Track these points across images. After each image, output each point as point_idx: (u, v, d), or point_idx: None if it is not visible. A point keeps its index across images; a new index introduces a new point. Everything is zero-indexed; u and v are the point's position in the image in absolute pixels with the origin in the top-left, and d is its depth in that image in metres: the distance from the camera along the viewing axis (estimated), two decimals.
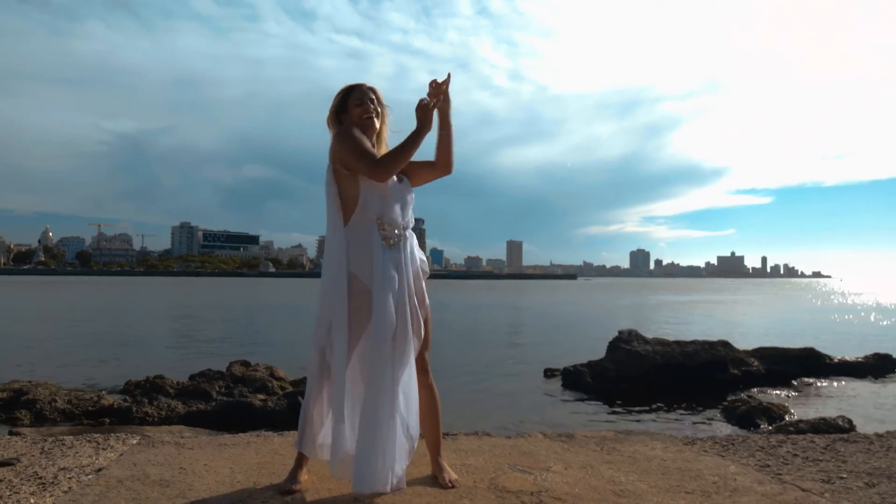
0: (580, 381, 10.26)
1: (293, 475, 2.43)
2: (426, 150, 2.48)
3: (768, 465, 2.84)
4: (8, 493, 2.34)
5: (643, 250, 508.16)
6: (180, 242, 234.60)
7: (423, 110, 2.43)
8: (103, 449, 2.86)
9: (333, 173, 2.46)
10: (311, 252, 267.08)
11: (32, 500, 2.25)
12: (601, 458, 2.86)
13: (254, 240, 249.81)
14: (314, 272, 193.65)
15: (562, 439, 3.19)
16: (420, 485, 2.44)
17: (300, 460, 2.48)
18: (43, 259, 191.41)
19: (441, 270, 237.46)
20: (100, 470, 2.58)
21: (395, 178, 2.49)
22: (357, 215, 2.43)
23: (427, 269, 2.56)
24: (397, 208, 2.45)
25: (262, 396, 8.51)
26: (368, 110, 2.51)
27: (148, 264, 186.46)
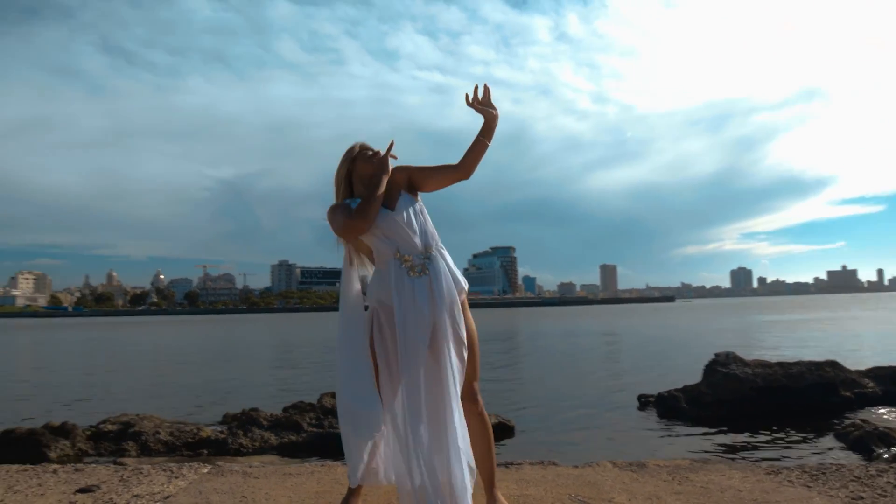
0: (675, 407, 9.79)
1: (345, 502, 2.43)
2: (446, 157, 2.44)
3: (861, 498, 2.58)
4: None
5: (744, 268, 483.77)
6: (279, 280, 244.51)
7: (365, 160, 2.50)
8: (175, 477, 2.98)
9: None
10: None
11: None
12: (670, 489, 2.70)
13: None
14: None
15: (632, 469, 3.04)
16: None
17: (353, 491, 2.48)
18: (155, 300, 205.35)
19: (534, 298, 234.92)
20: (167, 497, 2.68)
21: (394, 213, 2.45)
22: (377, 257, 2.48)
23: (464, 285, 2.48)
24: (410, 235, 2.42)
25: None
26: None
27: (250, 302, 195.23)
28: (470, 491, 2.23)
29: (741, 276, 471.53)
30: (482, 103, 2.47)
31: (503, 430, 8.25)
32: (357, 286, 2.55)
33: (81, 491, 2.80)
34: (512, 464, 3.06)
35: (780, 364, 10.17)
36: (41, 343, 34.96)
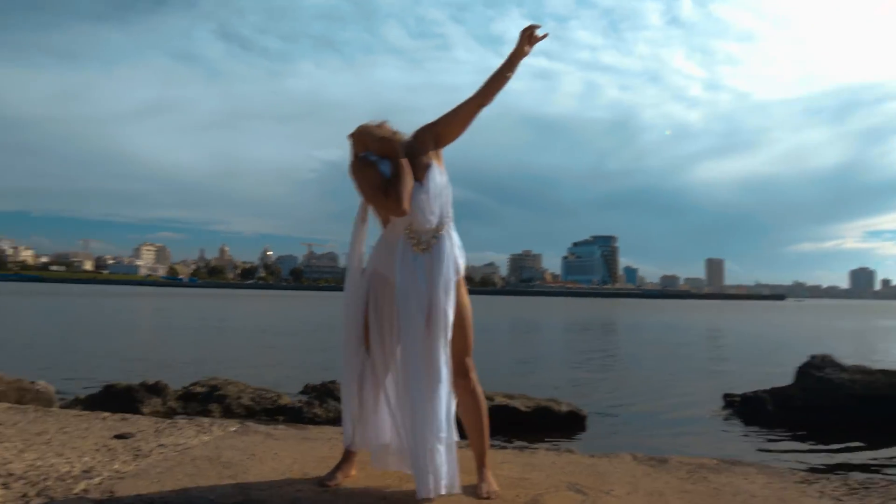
0: (760, 409, 9.24)
1: (335, 469, 2.49)
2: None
3: None
4: (108, 459, 2.71)
5: (867, 269, 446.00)
6: None
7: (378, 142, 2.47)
8: (203, 433, 3.16)
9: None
10: (504, 270, 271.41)
11: (116, 466, 2.57)
12: (678, 487, 2.57)
13: None
14: (506, 290, 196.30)
15: (650, 463, 2.91)
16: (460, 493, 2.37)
17: (347, 456, 2.53)
18: (263, 275, 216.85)
19: (635, 289, 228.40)
20: (187, 448, 2.86)
21: (421, 188, 2.41)
22: (389, 226, 2.48)
23: (461, 268, 2.48)
24: (429, 214, 2.40)
25: None
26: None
27: None
28: (446, 467, 2.22)
29: (862, 277, 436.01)
30: (529, 40, 2.43)
31: (574, 420, 8.13)
32: (363, 248, 2.58)
33: (117, 437, 3.04)
34: (527, 447, 3.02)
35: (884, 372, 9.36)
36: (159, 309, 37.74)
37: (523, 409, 8.21)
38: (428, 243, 2.39)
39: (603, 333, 26.76)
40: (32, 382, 5.22)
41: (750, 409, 9.35)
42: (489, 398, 8.79)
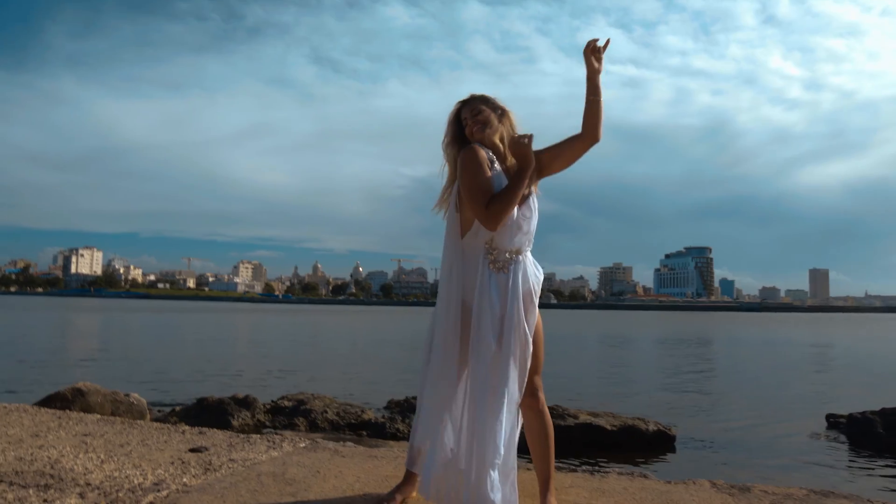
0: (868, 432, 8.53)
1: (394, 489, 2.45)
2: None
3: None
4: (179, 472, 2.80)
5: None
6: None
7: (517, 146, 2.33)
8: (273, 449, 3.21)
9: (458, 192, 2.42)
10: (594, 284, 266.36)
11: (185, 479, 2.65)
12: None
13: None
14: (596, 304, 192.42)
15: (731, 492, 2.71)
16: None
17: (408, 476, 2.48)
18: (354, 291, 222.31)
19: (732, 302, 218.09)
20: (254, 464, 2.91)
21: (521, 209, 2.36)
22: (469, 237, 2.40)
23: (538, 289, 2.41)
24: (510, 235, 2.34)
25: None
26: (477, 121, 2.42)
27: None
28: (500, 494, 2.13)
29: None
30: (594, 53, 2.34)
31: (662, 440, 7.81)
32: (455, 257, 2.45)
33: (192, 450, 3.13)
34: (598, 471, 2.88)
35: None
36: (255, 325, 39.33)
37: (609, 427, 7.94)
38: (505, 262, 2.34)
39: (697, 349, 25.65)
40: (126, 395, 5.51)
41: (856, 431, 8.66)
42: (573, 416, 8.56)
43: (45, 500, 2.40)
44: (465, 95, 2.53)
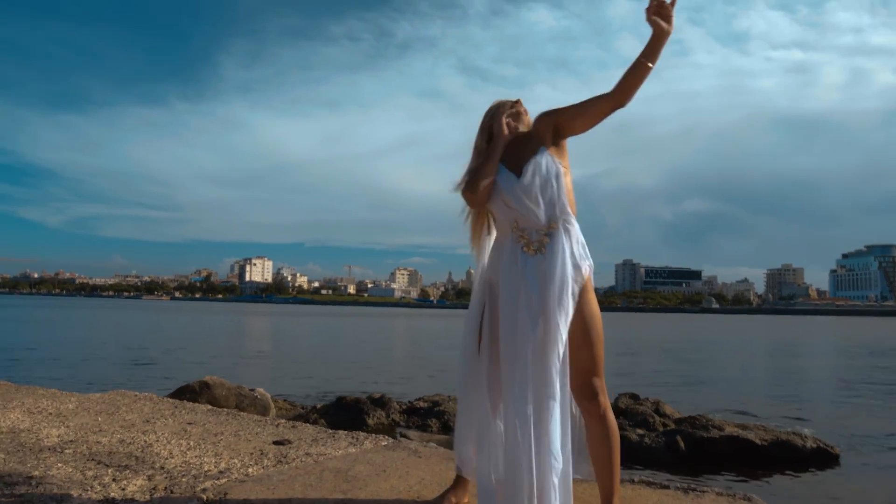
0: None
1: (445, 493, 2.26)
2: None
3: None
4: (252, 462, 2.82)
5: None
6: (623, 279, 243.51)
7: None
8: (353, 445, 3.14)
9: None
10: (759, 287, 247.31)
11: (251, 469, 2.64)
12: None
13: (696, 275, 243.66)
14: (762, 308, 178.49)
15: None
16: None
17: (458, 480, 2.28)
18: None
19: None
20: (327, 458, 2.86)
21: (519, 179, 2.11)
22: (496, 226, 2.23)
23: (585, 271, 2.08)
24: (532, 207, 2.07)
25: (640, 431, 8.18)
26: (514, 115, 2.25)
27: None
28: (554, 498, 1.86)
29: None
30: (660, 14, 2.00)
31: (823, 458, 7.03)
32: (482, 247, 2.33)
33: (276, 443, 3.14)
34: (693, 489, 2.47)
35: None
36: (409, 328, 40.67)
37: (758, 441, 7.22)
38: (540, 243, 2.05)
39: (882, 359, 22.73)
40: (252, 389, 5.76)
41: None
42: (718, 427, 7.85)
43: (114, 479, 2.49)
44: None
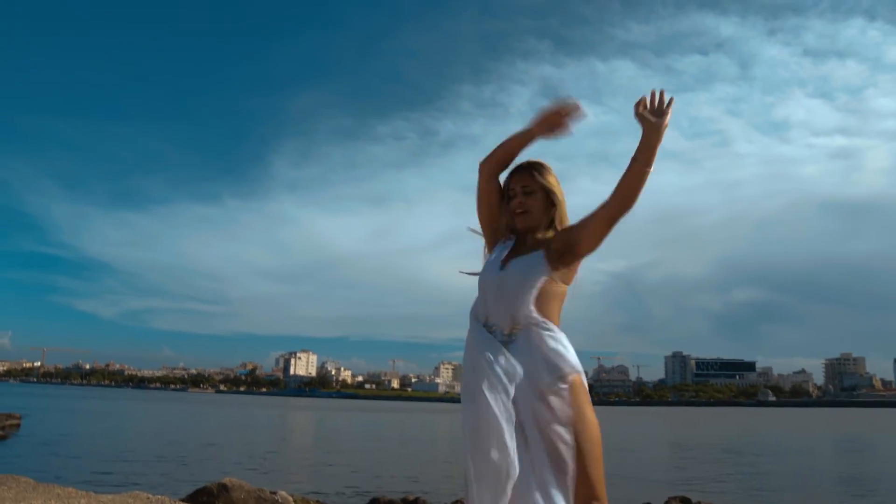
0: None
1: None
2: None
3: None
4: None
5: None
6: (674, 372, 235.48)
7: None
8: None
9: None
10: (818, 378, 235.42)
11: None
12: None
13: (750, 366, 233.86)
14: (822, 400, 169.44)
15: None
16: None
17: None
18: None
19: None
20: None
21: (500, 271, 1.93)
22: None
23: (566, 370, 1.80)
24: (492, 300, 1.90)
25: None
26: (514, 205, 2.05)
27: (643, 394, 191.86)
28: None
29: None
30: (652, 111, 1.82)
31: None
32: None
33: None
34: None
35: None
36: (453, 424, 39.66)
37: None
38: (503, 340, 1.86)
39: None
40: (273, 492, 5.43)
41: None
42: None
43: None
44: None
